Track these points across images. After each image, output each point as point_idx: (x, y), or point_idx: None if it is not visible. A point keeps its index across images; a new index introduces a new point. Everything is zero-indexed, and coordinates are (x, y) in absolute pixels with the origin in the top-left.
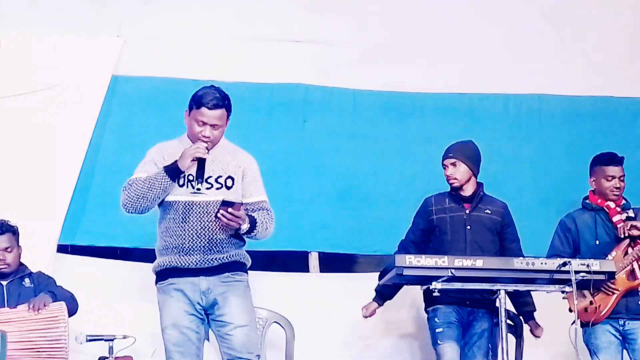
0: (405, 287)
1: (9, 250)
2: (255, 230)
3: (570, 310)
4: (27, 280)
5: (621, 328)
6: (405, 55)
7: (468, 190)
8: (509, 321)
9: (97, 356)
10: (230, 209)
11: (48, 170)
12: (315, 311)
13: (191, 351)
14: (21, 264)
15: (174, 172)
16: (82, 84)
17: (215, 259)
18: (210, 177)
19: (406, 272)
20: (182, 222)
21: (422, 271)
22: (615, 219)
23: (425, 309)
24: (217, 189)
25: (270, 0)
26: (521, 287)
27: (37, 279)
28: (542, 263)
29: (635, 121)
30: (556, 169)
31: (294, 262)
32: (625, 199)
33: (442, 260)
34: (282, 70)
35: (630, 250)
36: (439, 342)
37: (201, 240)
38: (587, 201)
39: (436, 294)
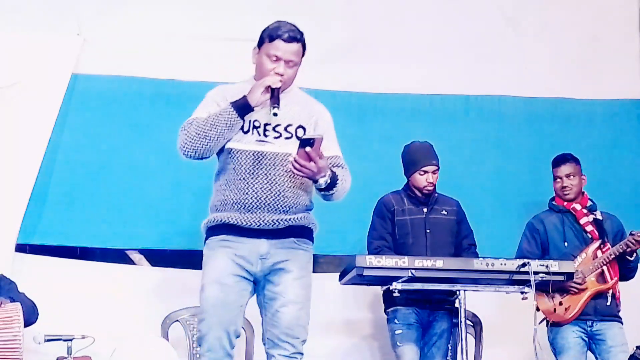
0: (364, 288)
1: None
2: (335, 188)
3: (538, 309)
4: None
5: (589, 329)
6: (366, 56)
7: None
8: (468, 321)
9: (55, 356)
10: (308, 148)
11: (6, 169)
12: None
13: (230, 316)
14: None
15: (242, 107)
16: (41, 82)
17: (282, 220)
18: (278, 125)
19: (366, 272)
20: (246, 174)
21: (383, 271)
22: (582, 221)
23: (385, 310)
24: (287, 138)
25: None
26: (481, 288)
27: None
28: (501, 264)
29: (593, 123)
30: (516, 170)
31: None
32: (592, 201)
33: (403, 261)
34: (242, 70)
35: (600, 253)
36: (398, 344)
37: (267, 197)
38: (554, 203)
39: (396, 294)
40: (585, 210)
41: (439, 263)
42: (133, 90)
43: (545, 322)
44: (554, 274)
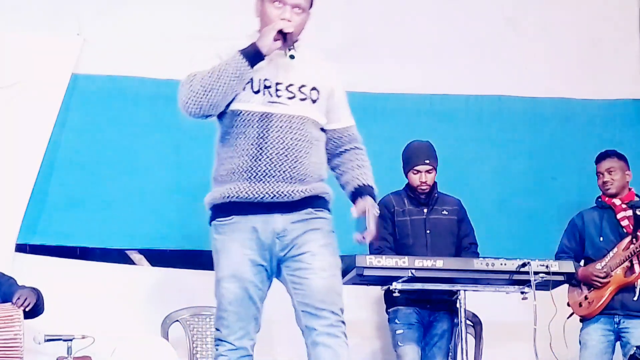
0: (365, 287)
1: None
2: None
3: (568, 305)
4: None
5: (616, 326)
6: (366, 56)
7: (426, 192)
8: (468, 321)
9: (55, 356)
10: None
11: (6, 168)
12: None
13: (250, 313)
14: None
15: (253, 55)
16: (41, 82)
17: (297, 191)
18: (291, 84)
19: (367, 272)
20: (258, 138)
21: (383, 271)
22: (619, 215)
23: (386, 310)
24: (302, 100)
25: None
26: (481, 288)
27: None
28: (501, 264)
29: (593, 123)
30: (516, 170)
31: None
32: (638, 196)
33: (403, 261)
34: None
35: (632, 246)
36: (399, 343)
37: (283, 164)
38: (599, 199)
39: (396, 294)
40: (624, 205)
41: (439, 263)
42: (133, 90)
43: (572, 317)
44: (554, 273)
